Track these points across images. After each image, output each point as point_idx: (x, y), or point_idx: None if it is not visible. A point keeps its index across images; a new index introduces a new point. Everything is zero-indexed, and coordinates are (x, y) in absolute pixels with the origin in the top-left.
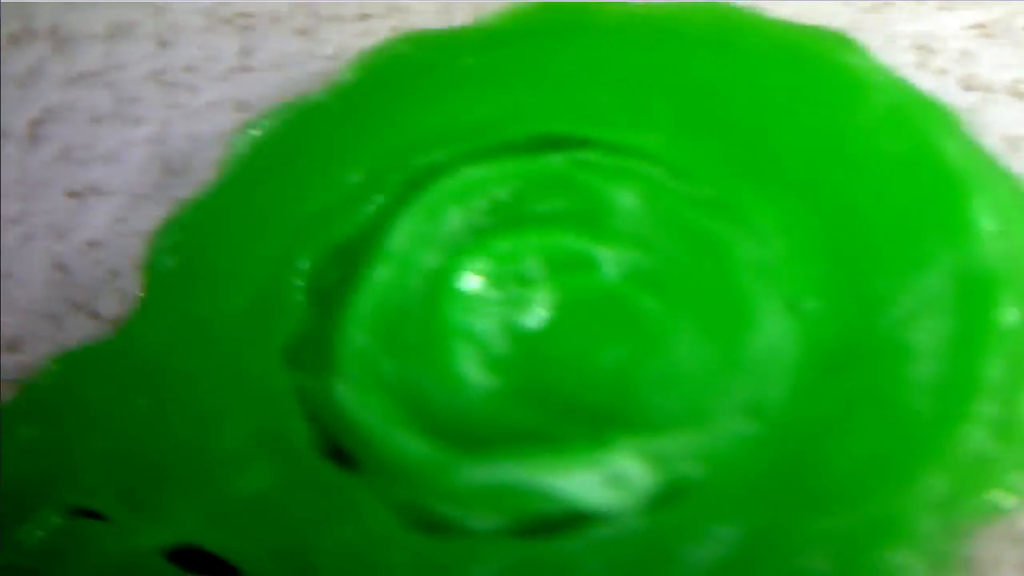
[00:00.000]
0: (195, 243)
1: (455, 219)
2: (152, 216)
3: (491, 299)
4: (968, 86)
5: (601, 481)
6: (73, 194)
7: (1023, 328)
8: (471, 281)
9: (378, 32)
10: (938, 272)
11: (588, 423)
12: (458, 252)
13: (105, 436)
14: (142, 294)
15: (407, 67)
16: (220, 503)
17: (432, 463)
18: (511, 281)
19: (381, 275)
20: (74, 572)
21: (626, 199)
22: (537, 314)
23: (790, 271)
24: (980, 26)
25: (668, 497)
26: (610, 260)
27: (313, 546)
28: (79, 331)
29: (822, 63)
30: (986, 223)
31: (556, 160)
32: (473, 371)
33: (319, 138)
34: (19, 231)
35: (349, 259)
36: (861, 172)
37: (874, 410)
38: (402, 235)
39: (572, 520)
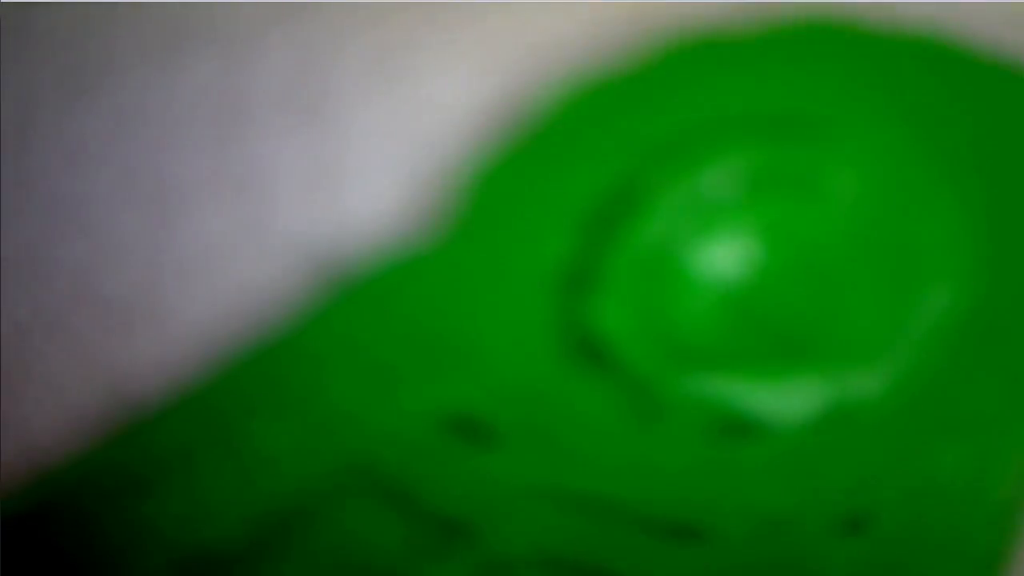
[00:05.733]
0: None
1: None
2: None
3: (725, 250)
4: None
5: (784, 400)
6: None
7: None
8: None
9: None
10: None
11: (784, 351)
12: (709, 216)
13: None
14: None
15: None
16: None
17: (652, 371)
18: (741, 238)
19: (641, 228)
20: None
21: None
22: (754, 264)
23: (961, 245)
24: None
25: (835, 420)
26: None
27: None
28: None
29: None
30: None
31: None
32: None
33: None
34: None
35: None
36: None
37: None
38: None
39: (751, 431)
